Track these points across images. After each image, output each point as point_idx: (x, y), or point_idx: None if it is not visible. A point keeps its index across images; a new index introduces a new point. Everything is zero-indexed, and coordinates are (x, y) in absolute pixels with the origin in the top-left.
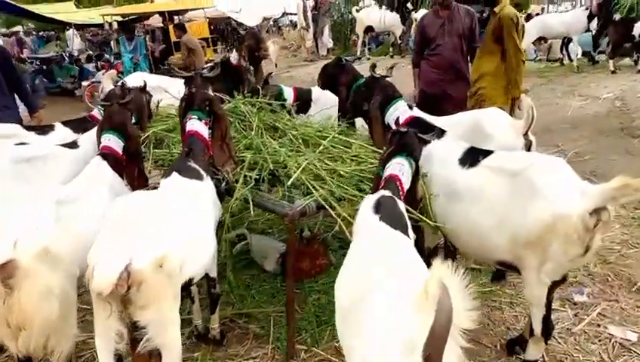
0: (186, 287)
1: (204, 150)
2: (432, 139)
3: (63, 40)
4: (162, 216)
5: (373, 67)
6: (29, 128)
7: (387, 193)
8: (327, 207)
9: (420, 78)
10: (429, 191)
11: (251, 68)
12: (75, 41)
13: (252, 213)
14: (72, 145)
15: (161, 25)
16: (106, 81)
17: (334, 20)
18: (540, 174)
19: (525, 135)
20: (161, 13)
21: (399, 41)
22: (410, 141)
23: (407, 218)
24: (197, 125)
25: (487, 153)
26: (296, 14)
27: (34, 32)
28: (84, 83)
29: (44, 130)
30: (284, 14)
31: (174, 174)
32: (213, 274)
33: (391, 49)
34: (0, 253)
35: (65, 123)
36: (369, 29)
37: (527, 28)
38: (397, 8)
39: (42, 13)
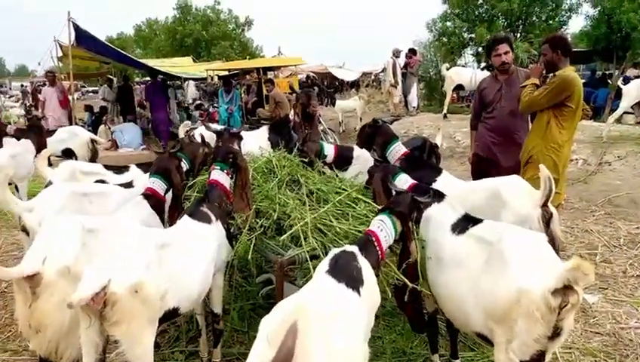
0: (171, 316)
1: (221, 197)
2: (427, 200)
3: (185, 89)
4: (155, 249)
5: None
6: (108, 167)
7: (351, 248)
8: (308, 259)
9: (475, 140)
10: (427, 254)
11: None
12: (190, 91)
13: (250, 257)
14: (129, 185)
15: (256, 80)
16: (181, 130)
17: (429, 77)
18: (511, 247)
19: (544, 206)
20: (257, 70)
21: None
22: (397, 201)
23: (365, 273)
24: (217, 175)
25: (477, 221)
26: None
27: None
28: (181, 126)
29: (120, 170)
30: (384, 70)
31: (185, 217)
32: (217, 310)
33: None
34: (30, 265)
35: (138, 165)
36: (459, 88)
37: (626, 90)
38: (487, 67)
39: (156, 67)
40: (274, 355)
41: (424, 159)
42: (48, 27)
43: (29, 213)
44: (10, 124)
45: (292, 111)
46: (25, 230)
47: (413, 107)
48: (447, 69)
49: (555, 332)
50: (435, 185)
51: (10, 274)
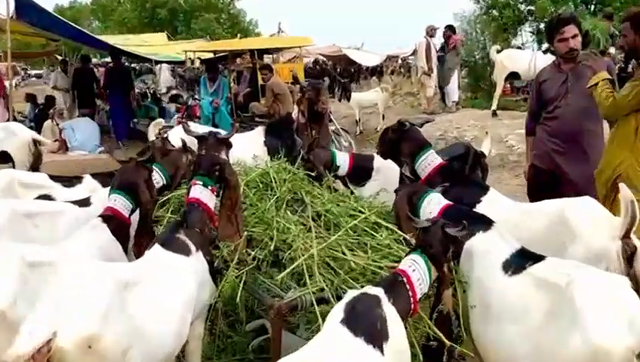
0: None
1: (203, 221)
2: (462, 232)
3: (157, 75)
4: (116, 290)
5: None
6: (56, 178)
7: (375, 290)
8: (314, 302)
9: (532, 149)
10: (469, 300)
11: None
12: (163, 77)
13: (238, 299)
14: (85, 202)
15: (249, 65)
16: (150, 131)
17: (474, 62)
18: (584, 292)
19: (626, 238)
20: (251, 52)
21: None
22: (428, 237)
23: (391, 325)
24: (199, 192)
25: (538, 258)
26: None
27: (126, 64)
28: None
29: (71, 181)
30: (415, 52)
31: (156, 246)
32: None
33: None
34: None
35: (95, 175)
36: (513, 76)
37: None
38: (552, 50)
39: (118, 45)
40: None
41: (465, 173)
42: None
43: None
44: None
45: (295, 108)
46: None
47: (453, 102)
48: (498, 52)
49: None
50: (480, 208)
51: None
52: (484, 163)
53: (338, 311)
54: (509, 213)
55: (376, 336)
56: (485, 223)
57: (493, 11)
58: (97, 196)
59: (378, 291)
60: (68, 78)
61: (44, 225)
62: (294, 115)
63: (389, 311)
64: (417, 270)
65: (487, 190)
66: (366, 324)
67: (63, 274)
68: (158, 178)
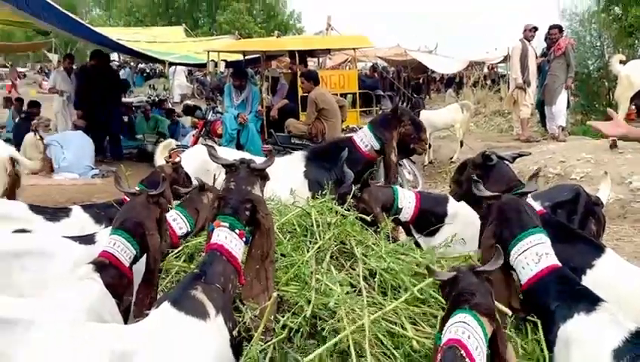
0: None
1: (227, 275)
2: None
3: (170, 80)
4: None
5: None
6: (38, 210)
7: None
8: None
9: None
10: None
11: None
12: (177, 82)
13: None
14: (88, 239)
15: (288, 70)
16: (159, 153)
17: (587, 75)
18: None
19: None
20: (291, 54)
21: None
22: (468, 285)
23: None
24: (224, 237)
25: None
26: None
27: (130, 65)
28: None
29: (56, 214)
30: (507, 59)
31: (165, 305)
32: None
33: None
34: None
35: (86, 207)
36: None
37: None
38: None
39: (122, 41)
40: None
41: (572, 226)
42: None
43: None
44: None
45: (366, 134)
46: None
47: (559, 127)
48: (622, 63)
49: None
50: (591, 277)
51: None
52: (599, 213)
53: None
54: (632, 285)
55: None
56: (589, 300)
57: (615, 8)
58: (105, 233)
59: None
60: (70, 80)
61: (36, 268)
62: (363, 143)
63: None
64: (473, 335)
65: (603, 251)
66: None
67: (41, 338)
68: (182, 223)
